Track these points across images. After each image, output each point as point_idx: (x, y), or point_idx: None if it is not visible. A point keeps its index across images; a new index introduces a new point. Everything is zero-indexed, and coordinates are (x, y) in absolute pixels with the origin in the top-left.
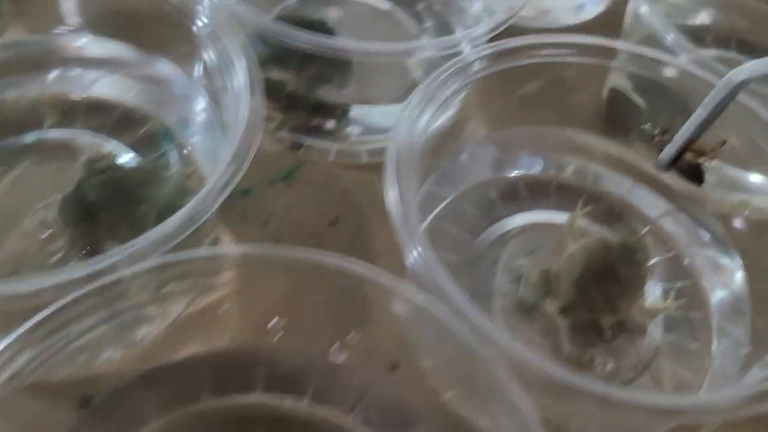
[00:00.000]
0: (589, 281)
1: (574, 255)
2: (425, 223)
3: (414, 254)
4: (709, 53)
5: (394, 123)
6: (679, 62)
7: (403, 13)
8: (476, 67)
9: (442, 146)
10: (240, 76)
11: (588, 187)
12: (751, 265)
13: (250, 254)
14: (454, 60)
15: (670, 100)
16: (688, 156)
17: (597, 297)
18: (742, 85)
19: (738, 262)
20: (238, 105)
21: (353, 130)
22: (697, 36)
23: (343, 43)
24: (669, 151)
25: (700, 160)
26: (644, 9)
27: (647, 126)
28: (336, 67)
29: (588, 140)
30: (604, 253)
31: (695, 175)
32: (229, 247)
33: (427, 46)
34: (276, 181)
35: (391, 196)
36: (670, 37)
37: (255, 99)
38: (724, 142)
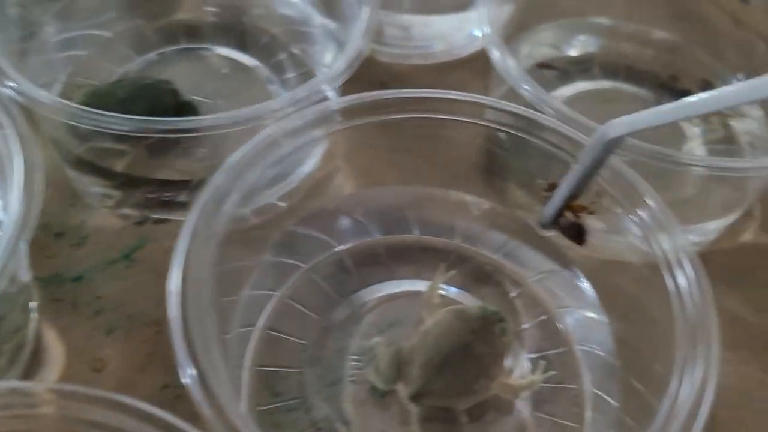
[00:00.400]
0: (442, 362)
1: (428, 332)
2: (269, 304)
3: (190, 375)
4: (597, 84)
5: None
6: (539, 116)
7: (263, 65)
8: (328, 121)
9: (293, 210)
10: (14, 161)
11: (456, 249)
12: (621, 323)
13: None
14: (290, 117)
15: (536, 155)
16: (568, 214)
17: (451, 379)
18: (615, 142)
19: (607, 320)
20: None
21: None
22: (583, 66)
23: (148, 123)
24: (549, 210)
25: (580, 217)
26: (496, 56)
27: (540, 181)
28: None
29: (459, 197)
30: (460, 328)
31: (577, 233)
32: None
33: (261, 110)
34: (113, 263)
35: (173, 286)
36: (527, 89)
37: (28, 185)
38: (600, 195)
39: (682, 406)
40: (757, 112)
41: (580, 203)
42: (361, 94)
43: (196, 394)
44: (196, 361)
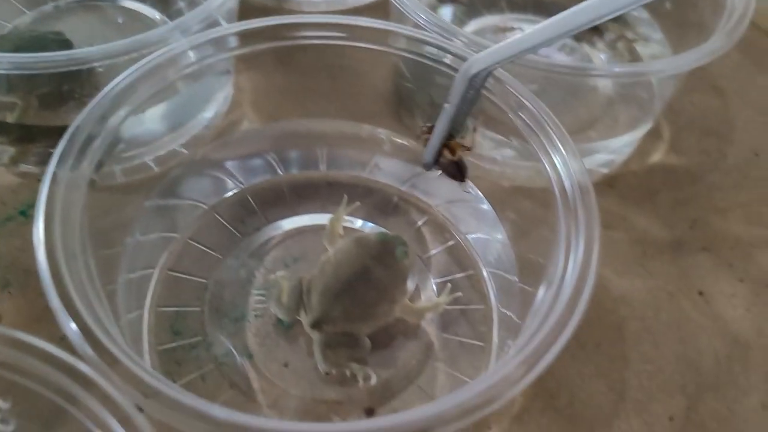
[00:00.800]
0: (341, 288)
1: (328, 261)
2: (171, 245)
3: (71, 329)
4: (505, 18)
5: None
6: (437, 39)
7: (162, 14)
8: (220, 45)
9: (197, 156)
10: None
11: (363, 182)
12: (521, 243)
13: None
14: (177, 43)
15: (438, 83)
16: (446, 153)
17: (350, 304)
18: (479, 77)
19: (509, 242)
20: None
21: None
22: (490, 1)
23: (20, 59)
24: (429, 151)
25: (457, 155)
26: None
27: (420, 125)
28: (75, 81)
29: (367, 131)
30: (359, 254)
31: (456, 171)
32: None
33: (146, 40)
34: (9, 219)
35: (38, 235)
36: (423, 17)
37: None
38: (474, 130)
39: (564, 292)
40: (658, 35)
41: (457, 141)
42: (256, 19)
43: (74, 338)
44: (71, 308)
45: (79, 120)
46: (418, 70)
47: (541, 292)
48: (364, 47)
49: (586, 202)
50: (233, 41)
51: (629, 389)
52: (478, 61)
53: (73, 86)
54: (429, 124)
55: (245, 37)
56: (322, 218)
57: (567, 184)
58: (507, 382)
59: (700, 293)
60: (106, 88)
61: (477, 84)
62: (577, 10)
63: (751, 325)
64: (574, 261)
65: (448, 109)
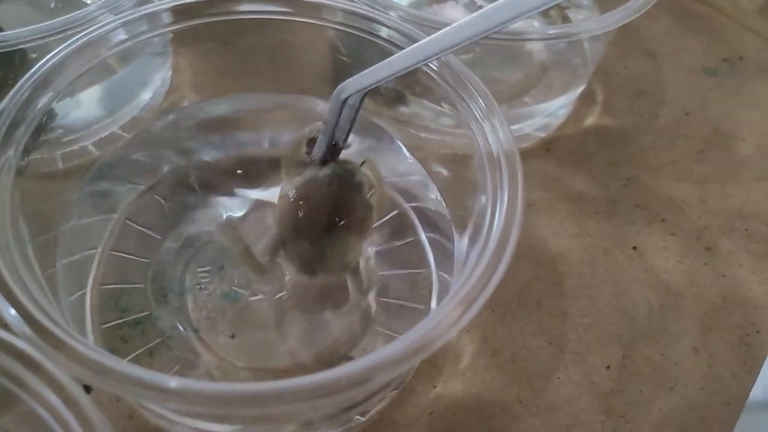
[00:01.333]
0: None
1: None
2: (110, 226)
3: (11, 314)
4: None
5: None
6: (371, 12)
7: None
8: (153, 21)
9: (132, 130)
10: None
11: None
12: (454, 206)
13: None
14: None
15: (373, 60)
16: None
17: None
18: (354, 99)
19: (447, 210)
20: None
21: (47, 135)
22: None
23: None
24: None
25: None
26: None
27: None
28: (8, 68)
29: (308, 105)
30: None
31: None
32: None
33: (74, 19)
34: None
35: None
36: None
37: None
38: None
39: (490, 246)
40: (586, 1)
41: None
42: None
43: (13, 323)
44: (9, 294)
45: (4, 104)
46: (354, 44)
47: (474, 252)
48: (302, 21)
49: (511, 160)
50: (167, 17)
51: (568, 342)
52: (347, 88)
53: (5, 73)
54: (310, 137)
55: (179, 12)
56: (263, 194)
57: (494, 146)
58: (443, 326)
59: (634, 248)
60: (33, 69)
61: (353, 104)
62: (447, 32)
63: (683, 276)
64: (499, 216)
65: (326, 129)
